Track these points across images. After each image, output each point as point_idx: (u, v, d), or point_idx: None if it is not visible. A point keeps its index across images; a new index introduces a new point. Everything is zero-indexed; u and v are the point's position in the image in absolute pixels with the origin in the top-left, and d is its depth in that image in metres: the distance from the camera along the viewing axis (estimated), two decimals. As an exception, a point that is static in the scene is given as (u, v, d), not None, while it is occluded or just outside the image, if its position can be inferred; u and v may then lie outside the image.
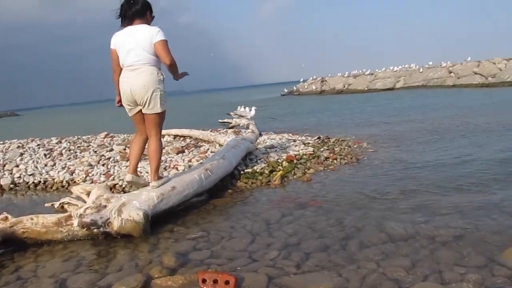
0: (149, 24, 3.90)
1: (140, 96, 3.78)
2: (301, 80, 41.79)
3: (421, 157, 5.83)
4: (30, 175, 5.98)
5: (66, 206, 4.06)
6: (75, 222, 3.29)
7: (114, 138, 8.65)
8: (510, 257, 2.53)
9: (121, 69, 3.87)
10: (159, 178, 4.00)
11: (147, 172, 5.32)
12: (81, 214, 3.31)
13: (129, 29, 3.81)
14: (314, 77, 40.59)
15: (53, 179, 5.76)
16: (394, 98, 21.29)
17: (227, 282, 2.35)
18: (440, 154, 5.96)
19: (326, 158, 5.91)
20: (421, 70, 31.88)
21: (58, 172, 5.98)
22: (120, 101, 4.00)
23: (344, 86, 36.01)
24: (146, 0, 3.87)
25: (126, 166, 5.77)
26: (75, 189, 4.35)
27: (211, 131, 8.65)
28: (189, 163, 5.61)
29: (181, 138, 8.38)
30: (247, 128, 9.50)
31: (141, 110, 3.92)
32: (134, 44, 3.73)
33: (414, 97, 21.19)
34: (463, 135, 7.56)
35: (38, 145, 8.06)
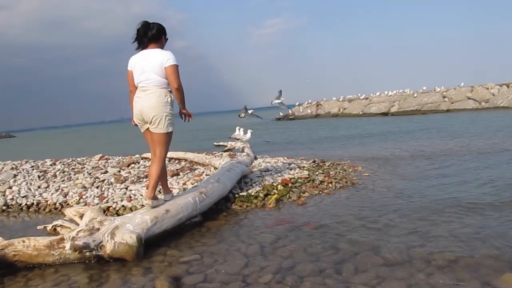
0: (163, 47, 4.09)
1: (147, 115, 3.94)
2: (296, 104, 41.99)
3: (416, 182, 5.84)
4: (23, 196, 5.93)
5: (58, 228, 4.01)
6: (67, 245, 3.25)
7: (109, 161, 8.63)
8: (506, 282, 2.51)
9: (136, 89, 4.04)
10: (155, 198, 4.02)
11: (141, 195, 5.29)
12: (73, 237, 3.27)
13: (143, 53, 4.01)
14: (310, 101, 40.81)
15: (46, 201, 5.71)
16: (389, 122, 21.42)
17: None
18: (435, 179, 5.97)
19: (321, 182, 5.91)
20: (415, 95, 32.17)
21: (52, 194, 5.94)
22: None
23: (339, 110, 36.23)
24: (161, 25, 4.05)
25: (121, 189, 5.74)
26: (68, 212, 4.31)
27: (206, 154, 8.65)
28: (184, 186, 5.59)
29: (176, 161, 8.37)
30: (242, 151, 9.50)
31: (149, 128, 4.05)
32: (147, 67, 3.92)
33: (408, 121, 21.33)
34: (458, 160, 7.59)
35: (32, 166, 8.03)
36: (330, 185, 5.80)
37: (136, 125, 4.18)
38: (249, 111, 12.06)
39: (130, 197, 5.28)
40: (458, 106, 27.59)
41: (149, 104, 3.91)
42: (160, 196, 4.28)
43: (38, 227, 4.26)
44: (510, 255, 2.92)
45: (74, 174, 7.13)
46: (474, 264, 2.83)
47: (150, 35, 3.98)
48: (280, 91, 10.93)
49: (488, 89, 28.00)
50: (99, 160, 8.76)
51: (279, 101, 10.81)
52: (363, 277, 2.71)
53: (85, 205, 5.23)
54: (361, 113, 33.71)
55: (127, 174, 6.84)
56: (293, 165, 7.25)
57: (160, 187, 4.33)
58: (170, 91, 4.01)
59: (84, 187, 6.10)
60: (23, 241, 3.26)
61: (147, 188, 4.43)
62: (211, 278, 2.87)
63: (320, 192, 5.48)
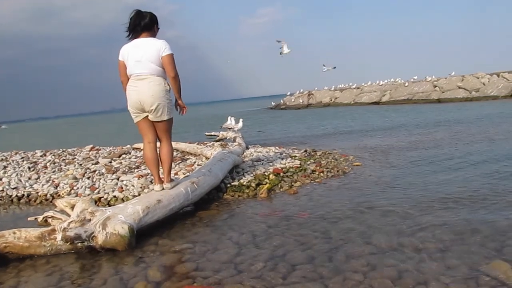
0: (155, 36, 4.12)
1: (148, 104, 3.95)
2: (288, 93, 42.03)
3: (407, 171, 5.89)
4: (14, 188, 5.88)
5: (49, 220, 3.99)
6: (59, 236, 3.25)
7: (100, 151, 8.58)
8: (495, 268, 2.55)
9: (128, 79, 4.03)
10: (171, 180, 4.24)
11: (133, 185, 5.27)
12: (64, 228, 3.27)
13: (137, 41, 3.99)
14: (301, 90, 40.86)
15: (37, 192, 5.68)
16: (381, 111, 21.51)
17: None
18: (426, 168, 6.01)
19: (313, 171, 5.93)
20: (406, 84, 32.30)
21: (42, 185, 5.90)
22: None
23: (331, 100, 36.33)
24: (153, 14, 4.07)
25: (112, 179, 5.72)
26: (59, 203, 4.28)
27: (197, 144, 8.63)
28: (176, 176, 5.58)
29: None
30: (234, 141, 9.49)
31: (147, 116, 4.06)
32: (143, 56, 3.91)
33: (398, 111, 21.43)
34: (449, 148, 7.65)
35: (22, 158, 7.97)
36: (321, 174, 5.82)
37: None
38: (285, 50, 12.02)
39: (122, 187, 5.26)
40: (449, 96, 27.73)
41: (151, 92, 3.92)
42: (152, 186, 4.30)
43: (29, 219, 4.23)
44: (498, 243, 2.96)
45: (65, 165, 7.08)
46: (464, 251, 2.86)
47: (143, 24, 3.98)
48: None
49: (478, 78, 28.16)
50: (90, 150, 8.72)
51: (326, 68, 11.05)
52: (355, 265, 2.74)
53: (76, 196, 5.21)
54: (352, 102, 33.82)
55: (118, 165, 6.81)
56: (284, 154, 7.26)
57: (149, 179, 4.32)
58: (166, 79, 4.04)
59: (75, 178, 6.07)
60: (14, 233, 3.24)
61: (142, 175, 4.40)
62: (203, 266, 2.88)
63: (312, 181, 5.50)
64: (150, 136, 4.16)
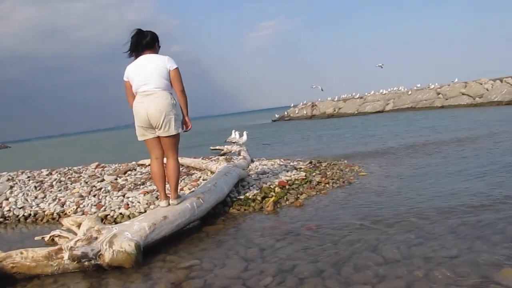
0: (157, 53, 4.14)
1: (155, 119, 3.96)
2: (292, 105, 42.09)
3: (413, 180, 5.86)
4: (20, 208, 5.90)
5: (56, 239, 4.00)
6: (66, 255, 3.24)
7: (105, 169, 8.59)
8: (506, 276, 2.52)
9: (134, 98, 4.06)
10: (178, 196, 4.22)
11: (138, 202, 5.27)
12: (71, 247, 3.26)
13: (141, 59, 4.04)
14: (305, 102, 40.89)
15: (44, 211, 5.69)
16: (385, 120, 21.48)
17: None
18: (432, 177, 5.98)
19: (318, 183, 5.91)
20: (409, 92, 32.28)
21: (49, 204, 5.91)
22: None
23: (335, 110, 36.31)
24: (154, 32, 4.12)
25: (118, 196, 5.73)
26: (66, 221, 4.29)
27: (202, 158, 8.63)
28: (181, 192, 5.57)
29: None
30: (239, 154, 9.48)
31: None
32: (148, 72, 3.95)
33: (402, 119, 21.40)
34: (455, 157, 7.62)
35: (29, 177, 7.99)
36: (327, 185, 5.80)
37: None
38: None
39: (128, 204, 5.27)
40: (453, 102, 27.69)
41: (158, 107, 3.93)
42: (157, 202, 4.30)
43: (36, 238, 4.23)
44: (508, 250, 2.93)
45: (71, 183, 7.10)
46: (473, 259, 2.83)
47: (145, 42, 4.04)
48: None
49: (481, 84, 28.10)
50: (95, 168, 8.73)
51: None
52: (363, 276, 2.71)
53: (83, 214, 5.21)
54: (356, 112, 33.80)
55: (124, 182, 6.82)
56: (289, 166, 7.24)
57: (155, 195, 4.32)
58: (172, 94, 4.08)
59: (81, 196, 6.08)
60: (21, 253, 3.24)
61: (144, 191, 4.39)
62: (211, 282, 2.86)
63: (318, 193, 5.48)
64: (157, 152, 4.17)
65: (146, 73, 3.95)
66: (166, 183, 4.25)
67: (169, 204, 4.14)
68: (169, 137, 4.08)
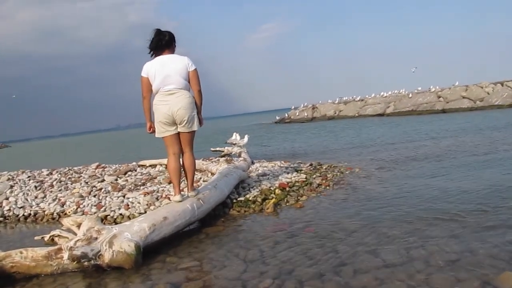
0: (174, 52, 4.36)
1: (181, 116, 4.19)
2: (292, 107, 42.09)
3: (414, 182, 5.85)
4: (20, 207, 5.91)
5: (56, 238, 4.00)
6: (65, 255, 3.24)
7: (105, 169, 8.60)
8: (506, 280, 2.51)
9: (151, 95, 4.28)
10: (194, 189, 4.49)
11: (139, 202, 5.27)
12: (71, 247, 3.26)
13: (163, 58, 4.25)
14: (305, 104, 40.88)
15: (44, 211, 5.69)
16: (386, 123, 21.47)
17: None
18: (432, 180, 5.97)
19: (319, 185, 5.91)
20: (410, 95, 32.27)
21: (49, 204, 5.92)
22: (151, 127, 4.37)
23: (335, 113, 36.31)
24: (171, 32, 4.33)
25: (118, 197, 5.73)
26: (66, 221, 4.29)
27: (203, 160, 8.64)
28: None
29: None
30: (239, 156, 9.49)
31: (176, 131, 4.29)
32: (171, 71, 4.17)
33: (404, 122, 21.39)
34: (455, 160, 7.61)
35: (29, 177, 8.00)
36: (327, 187, 5.80)
37: (152, 132, 4.36)
38: None
39: (128, 205, 5.27)
40: (453, 106, 27.68)
41: (184, 105, 4.17)
42: (172, 198, 4.46)
43: (36, 238, 4.23)
44: (508, 254, 2.93)
45: (71, 184, 7.11)
46: (473, 263, 2.82)
47: (164, 42, 4.25)
48: None
49: (482, 87, 28.12)
50: (95, 168, 8.74)
51: None
52: (364, 280, 2.71)
53: (83, 214, 5.21)
54: (357, 115, 33.80)
55: (124, 182, 6.82)
56: (290, 168, 7.25)
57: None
58: (190, 92, 4.30)
59: (81, 196, 6.08)
60: (21, 252, 3.24)
61: (168, 183, 4.39)
62: (210, 284, 2.86)
63: (318, 195, 5.47)
64: (175, 148, 4.34)
65: (170, 73, 4.15)
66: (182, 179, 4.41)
67: (181, 200, 4.25)
68: (190, 133, 4.32)
